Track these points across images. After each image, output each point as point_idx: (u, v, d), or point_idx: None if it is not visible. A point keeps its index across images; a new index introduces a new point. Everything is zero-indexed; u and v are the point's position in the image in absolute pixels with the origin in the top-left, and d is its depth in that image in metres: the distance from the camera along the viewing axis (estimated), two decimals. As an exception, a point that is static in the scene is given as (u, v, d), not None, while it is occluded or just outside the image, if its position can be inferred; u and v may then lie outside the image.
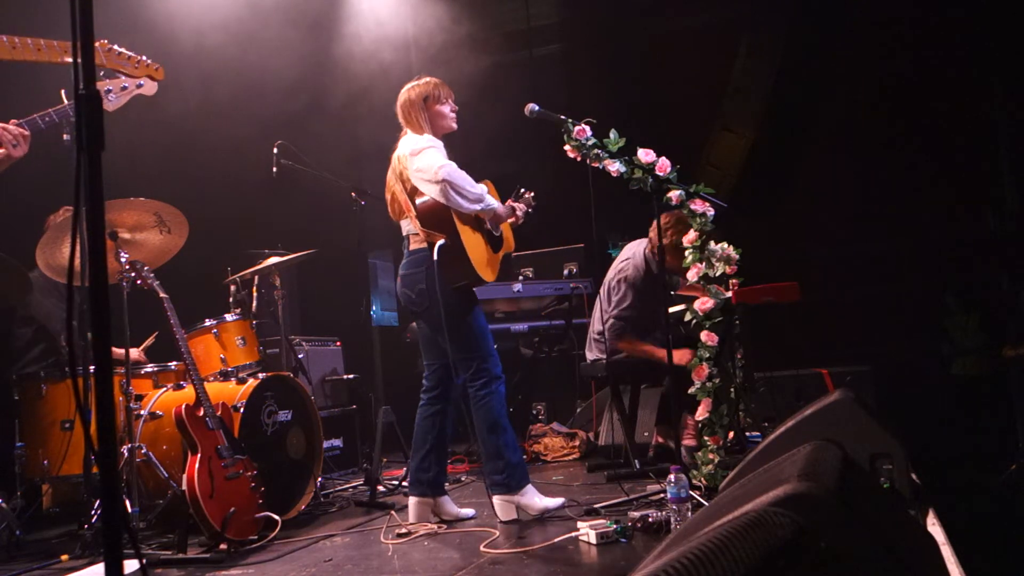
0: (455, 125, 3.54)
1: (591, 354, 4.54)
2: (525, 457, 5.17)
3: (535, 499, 3.31)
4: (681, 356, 3.71)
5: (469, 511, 3.49)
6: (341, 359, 5.89)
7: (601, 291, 4.53)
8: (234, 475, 3.24)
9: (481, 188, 3.37)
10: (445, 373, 3.45)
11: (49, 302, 4.08)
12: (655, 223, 4.02)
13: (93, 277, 1.40)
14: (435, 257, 3.26)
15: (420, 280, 3.35)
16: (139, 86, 3.10)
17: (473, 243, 3.38)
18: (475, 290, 3.48)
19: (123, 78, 3.06)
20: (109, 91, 3.03)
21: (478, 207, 3.34)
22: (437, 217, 3.32)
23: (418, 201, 3.36)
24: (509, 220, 3.62)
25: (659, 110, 7.23)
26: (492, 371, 3.34)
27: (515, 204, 3.68)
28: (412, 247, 3.42)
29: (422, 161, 3.30)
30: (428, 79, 3.55)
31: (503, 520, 3.26)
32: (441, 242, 3.28)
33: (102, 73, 3.03)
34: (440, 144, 3.38)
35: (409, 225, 3.42)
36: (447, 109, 3.52)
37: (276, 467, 3.71)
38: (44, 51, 2.81)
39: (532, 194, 3.78)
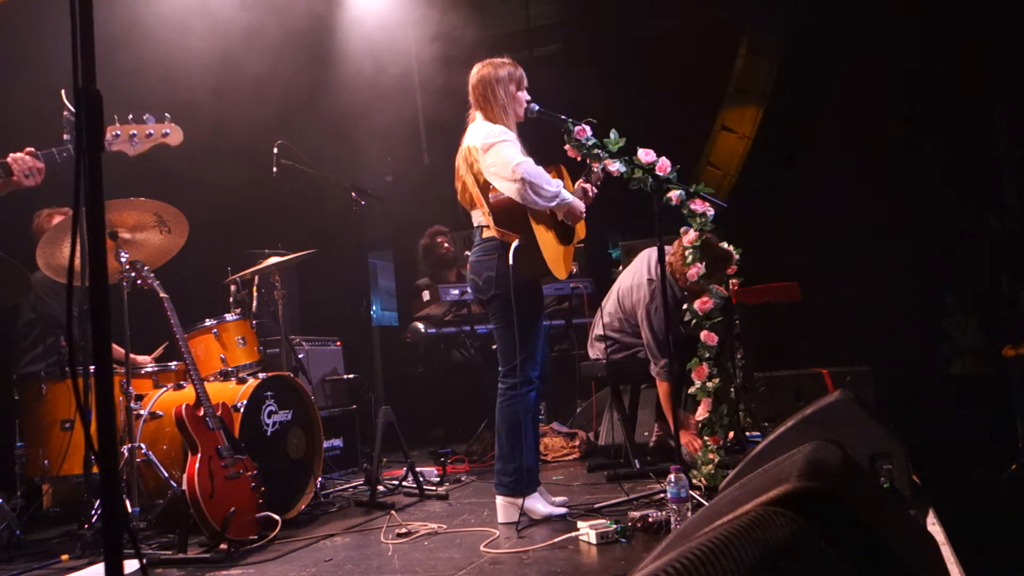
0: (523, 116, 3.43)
1: (593, 352, 4.51)
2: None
3: (539, 505, 3.28)
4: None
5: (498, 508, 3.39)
6: (341, 359, 5.89)
7: (616, 294, 4.43)
8: (234, 475, 3.24)
9: (557, 183, 3.25)
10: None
11: (53, 302, 4.08)
12: (677, 245, 3.96)
13: (93, 277, 1.40)
14: (511, 261, 3.17)
15: (489, 268, 3.26)
16: (164, 135, 3.15)
17: (547, 241, 3.28)
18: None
19: (149, 124, 3.10)
20: (133, 135, 3.09)
21: (554, 204, 3.24)
22: (512, 216, 3.21)
23: (492, 198, 3.24)
24: (583, 205, 3.51)
25: (659, 110, 7.22)
26: (529, 374, 3.28)
27: (586, 185, 3.59)
28: (485, 235, 3.31)
29: (497, 156, 3.18)
30: (506, 59, 3.39)
31: (502, 521, 3.25)
32: (516, 243, 3.18)
33: (130, 117, 3.10)
34: (514, 136, 3.27)
35: (481, 216, 3.32)
36: (524, 96, 3.40)
37: (276, 467, 3.71)
38: None
39: (600, 166, 3.66)
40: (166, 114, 3.19)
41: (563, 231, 3.42)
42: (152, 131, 3.13)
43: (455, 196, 3.46)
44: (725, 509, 1.02)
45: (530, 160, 3.20)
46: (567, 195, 3.29)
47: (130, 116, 3.11)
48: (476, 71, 3.39)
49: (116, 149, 3.11)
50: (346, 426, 5.34)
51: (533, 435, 3.33)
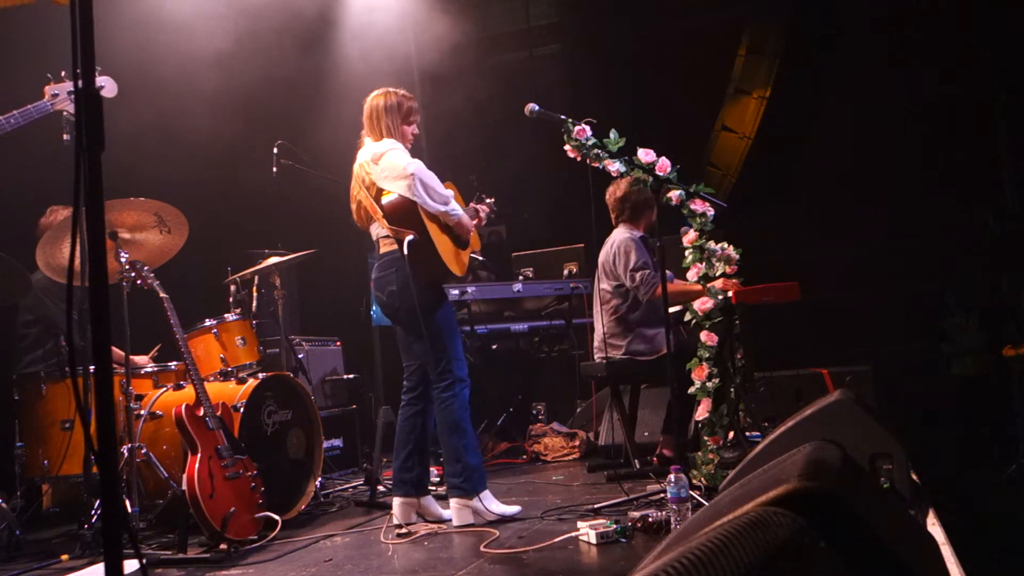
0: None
1: (599, 354, 4.44)
2: (524, 457, 5.19)
3: (491, 504, 3.30)
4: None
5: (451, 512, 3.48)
6: (341, 359, 5.89)
7: (597, 285, 4.45)
8: (234, 475, 3.24)
9: (448, 193, 3.39)
10: (424, 373, 3.45)
11: (51, 303, 4.08)
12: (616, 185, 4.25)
13: (93, 277, 1.40)
14: (405, 252, 3.25)
15: (391, 282, 3.34)
16: (100, 87, 3.12)
17: (441, 240, 3.37)
18: (452, 289, 3.46)
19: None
20: (71, 92, 3.04)
21: (443, 208, 3.34)
22: (404, 213, 3.30)
23: (384, 200, 3.34)
24: (473, 223, 3.60)
25: (659, 110, 7.22)
26: (457, 373, 3.33)
27: (477, 207, 3.69)
28: (383, 250, 3.41)
29: (387, 161, 3.30)
30: (404, 91, 3.51)
31: (457, 524, 3.27)
32: (410, 238, 3.27)
33: (63, 73, 3.07)
34: (402, 146, 3.37)
35: (378, 229, 3.41)
36: (412, 130, 3.50)
37: (276, 467, 3.71)
38: None
39: (492, 200, 3.80)
40: (96, 67, 3.17)
41: (457, 238, 3.50)
42: None
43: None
44: (725, 509, 1.02)
45: (421, 163, 3.30)
46: (457, 208, 3.40)
47: (63, 72, 3.07)
48: (369, 98, 3.48)
49: (60, 108, 3.08)
50: (346, 426, 5.34)
51: (472, 432, 3.38)
